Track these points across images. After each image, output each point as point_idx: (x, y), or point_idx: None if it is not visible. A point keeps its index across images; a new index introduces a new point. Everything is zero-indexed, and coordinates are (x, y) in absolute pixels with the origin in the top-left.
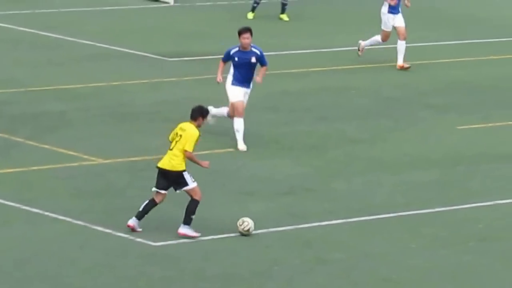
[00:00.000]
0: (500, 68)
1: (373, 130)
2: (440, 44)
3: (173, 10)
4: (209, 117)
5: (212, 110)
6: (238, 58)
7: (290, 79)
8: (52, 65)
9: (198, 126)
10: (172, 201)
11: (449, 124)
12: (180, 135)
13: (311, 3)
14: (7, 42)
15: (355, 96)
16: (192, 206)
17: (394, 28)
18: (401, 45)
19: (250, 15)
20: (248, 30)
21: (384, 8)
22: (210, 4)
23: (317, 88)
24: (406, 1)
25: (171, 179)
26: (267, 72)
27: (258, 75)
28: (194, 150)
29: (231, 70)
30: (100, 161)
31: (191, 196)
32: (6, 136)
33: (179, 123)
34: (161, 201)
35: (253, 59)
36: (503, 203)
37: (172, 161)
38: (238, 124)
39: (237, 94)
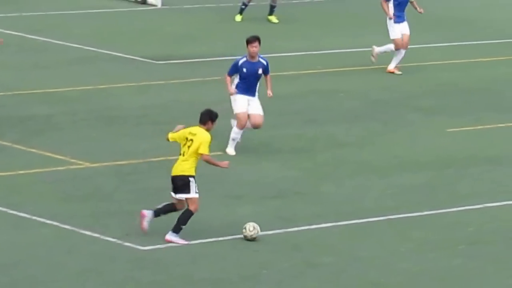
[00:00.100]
0: (489, 70)
1: (362, 133)
2: (429, 46)
3: (160, 13)
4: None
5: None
6: (247, 70)
7: (278, 82)
8: (39, 68)
9: (208, 130)
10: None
11: (438, 126)
12: (191, 140)
13: (300, 5)
14: None
15: (344, 99)
16: (186, 216)
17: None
18: (399, 53)
19: (238, 18)
20: (256, 38)
21: (390, 21)
22: (197, 6)
23: (306, 91)
24: (418, 8)
25: (178, 184)
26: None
27: (269, 89)
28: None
29: (236, 80)
30: (88, 164)
31: (188, 205)
32: None
33: (166, 125)
34: (182, 209)
35: (260, 71)
36: (493, 206)
37: (182, 166)
38: (236, 134)
39: (242, 104)
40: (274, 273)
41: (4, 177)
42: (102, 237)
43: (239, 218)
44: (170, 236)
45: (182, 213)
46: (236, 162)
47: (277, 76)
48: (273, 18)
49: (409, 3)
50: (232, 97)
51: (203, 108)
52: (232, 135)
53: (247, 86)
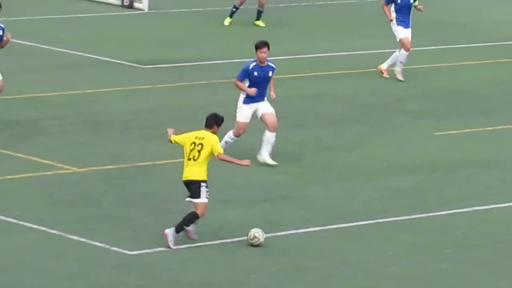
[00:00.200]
0: (477, 74)
1: (349, 136)
2: (417, 49)
3: (147, 17)
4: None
5: None
6: (258, 73)
7: None
8: (25, 73)
9: (213, 133)
10: (147, 210)
11: (426, 130)
12: (200, 144)
13: (287, 9)
14: None
15: (332, 102)
16: (191, 217)
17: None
18: (397, 56)
19: (227, 21)
20: (266, 44)
21: (393, 24)
22: (184, 10)
23: (293, 95)
24: (419, 6)
25: (191, 188)
26: None
27: (272, 90)
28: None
29: (246, 84)
30: (75, 169)
31: (195, 209)
32: None
33: (153, 130)
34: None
35: (270, 73)
36: (481, 209)
37: (194, 170)
38: (230, 139)
39: (245, 115)
40: (263, 277)
41: None
42: (89, 241)
43: (227, 223)
44: (169, 232)
45: (188, 214)
46: (223, 166)
47: None
48: (260, 23)
49: (413, 7)
50: (238, 106)
51: (190, 112)
52: (226, 138)
53: (258, 92)
